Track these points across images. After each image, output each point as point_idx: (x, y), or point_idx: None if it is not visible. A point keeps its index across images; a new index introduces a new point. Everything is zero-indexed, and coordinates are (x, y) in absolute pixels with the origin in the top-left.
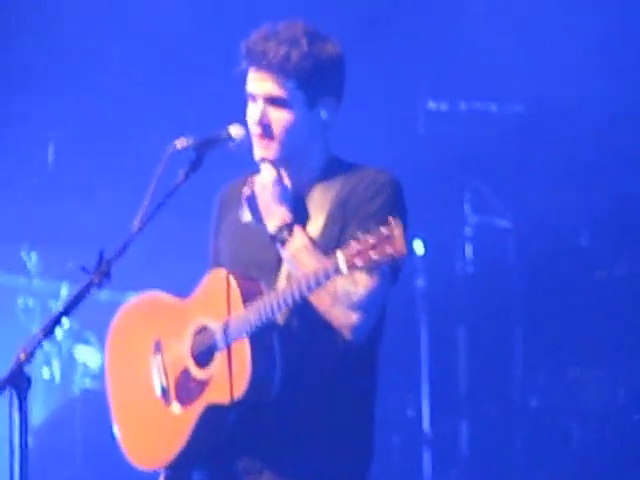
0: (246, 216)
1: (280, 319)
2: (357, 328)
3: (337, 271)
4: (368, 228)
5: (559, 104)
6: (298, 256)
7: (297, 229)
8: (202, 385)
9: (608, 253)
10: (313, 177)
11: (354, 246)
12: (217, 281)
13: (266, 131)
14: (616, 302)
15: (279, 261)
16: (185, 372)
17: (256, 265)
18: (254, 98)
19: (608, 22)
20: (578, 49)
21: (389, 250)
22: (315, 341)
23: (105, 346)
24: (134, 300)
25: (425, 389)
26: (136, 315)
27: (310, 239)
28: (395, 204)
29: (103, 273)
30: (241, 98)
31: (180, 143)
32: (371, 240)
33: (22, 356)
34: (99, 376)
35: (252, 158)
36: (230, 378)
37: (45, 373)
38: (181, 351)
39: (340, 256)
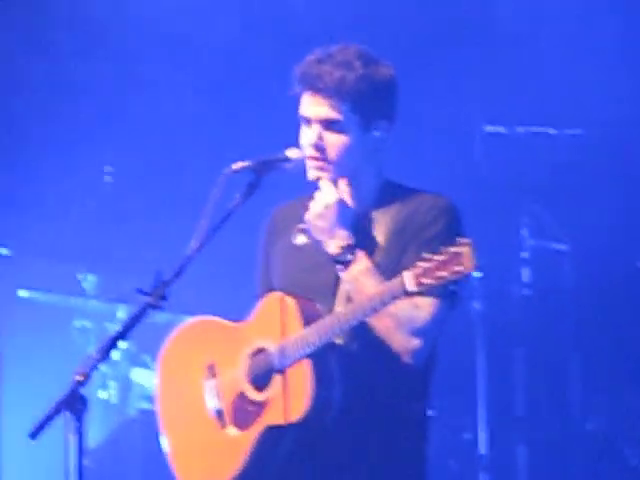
0: (300, 238)
1: (338, 340)
2: (417, 352)
3: (404, 290)
4: (428, 252)
5: (617, 127)
6: (361, 279)
7: (359, 251)
8: (260, 407)
9: None
10: (368, 200)
11: (421, 265)
12: (273, 303)
13: (322, 154)
14: None
15: (336, 283)
16: (241, 395)
17: (311, 287)
18: (309, 122)
19: None
20: (637, 71)
21: (458, 268)
22: (373, 363)
23: (156, 369)
24: (186, 324)
25: (482, 412)
26: (188, 339)
27: (372, 262)
28: (454, 229)
29: (159, 295)
30: (294, 121)
31: (237, 165)
32: (440, 258)
33: (78, 378)
34: None
35: (301, 182)
36: (290, 399)
37: (102, 394)
38: (236, 374)
39: (407, 275)
